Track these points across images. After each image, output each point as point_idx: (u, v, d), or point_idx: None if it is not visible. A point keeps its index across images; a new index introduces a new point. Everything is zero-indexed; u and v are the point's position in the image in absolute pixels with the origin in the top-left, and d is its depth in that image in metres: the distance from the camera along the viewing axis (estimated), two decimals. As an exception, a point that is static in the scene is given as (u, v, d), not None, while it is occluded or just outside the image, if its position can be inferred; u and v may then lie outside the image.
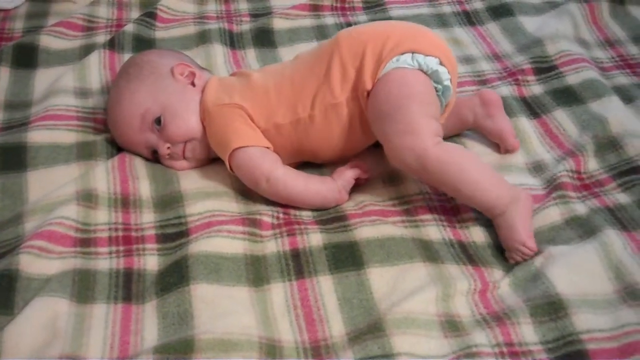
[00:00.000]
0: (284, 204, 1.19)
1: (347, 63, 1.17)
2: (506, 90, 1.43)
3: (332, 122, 1.19)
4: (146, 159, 1.27)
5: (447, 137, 1.27)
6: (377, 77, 1.15)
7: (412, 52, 1.15)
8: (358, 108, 1.17)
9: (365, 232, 1.14)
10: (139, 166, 1.26)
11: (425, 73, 1.15)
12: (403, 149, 1.12)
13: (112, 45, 1.54)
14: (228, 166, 1.19)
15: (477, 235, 1.15)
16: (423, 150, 1.10)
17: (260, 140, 1.19)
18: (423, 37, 1.19)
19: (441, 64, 1.16)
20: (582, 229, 1.13)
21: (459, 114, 1.28)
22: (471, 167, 1.11)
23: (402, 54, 1.15)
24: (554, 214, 1.16)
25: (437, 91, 1.17)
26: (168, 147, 1.24)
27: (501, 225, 1.11)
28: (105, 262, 1.10)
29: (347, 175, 1.19)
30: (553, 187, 1.21)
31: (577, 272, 1.05)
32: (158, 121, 1.23)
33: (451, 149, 1.13)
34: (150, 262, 1.10)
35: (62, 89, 1.41)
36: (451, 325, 1.01)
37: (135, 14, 1.69)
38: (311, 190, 1.17)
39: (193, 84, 1.27)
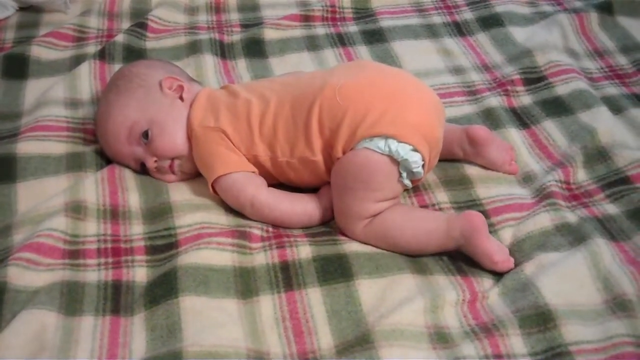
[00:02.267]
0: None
1: (324, 121, 1.15)
2: (495, 100, 1.43)
3: (309, 171, 1.19)
4: (135, 171, 1.27)
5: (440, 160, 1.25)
6: (348, 149, 1.13)
7: (386, 137, 1.11)
8: (332, 164, 1.17)
9: (354, 245, 1.14)
10: (129, 177, 1.26)
11: (394, 159, 1.12)
12: (340, 224, 1.17)
13: (103, 55, 1.54)
14: (211, 190, 1.20)
15: (466, 246, 1.15)
16: (352, 233, 1.16)
17: (244, 165, 1.19)
18: (407, 113, 1.13)
19: (415, 150, 1.12)
20: (572, 235, 1.13)
21: (448, 149, 1.26)
22: (401, 235, 1.13)
23: (377, 136, 1.11)
24: (544, 220, 1.16)
25: (402, 175, 1.14)
26: (155, 161, 1.24)
27: (468, 254, 1.12)
28: (93, 274, 1.10)
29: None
30: (543, 196, 1.21)
31: (566, 282, 1.06)
32: (145, 135, 1.23)
33: (379, 227, 1.14)
34: (139, 274, 1.10)
35: (52, 100, 1.41)
36: (440, 337, 1.01)
37: (126, 24, 1.69)
38: (297, 211, 1.18)
39: (181, 98, 1.27)
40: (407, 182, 1.15)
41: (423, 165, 1.14)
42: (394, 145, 1.11)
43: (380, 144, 1.11)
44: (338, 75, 1.18)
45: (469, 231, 1.10)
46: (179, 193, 1.23)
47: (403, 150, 1.11)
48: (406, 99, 1.15)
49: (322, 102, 1.15)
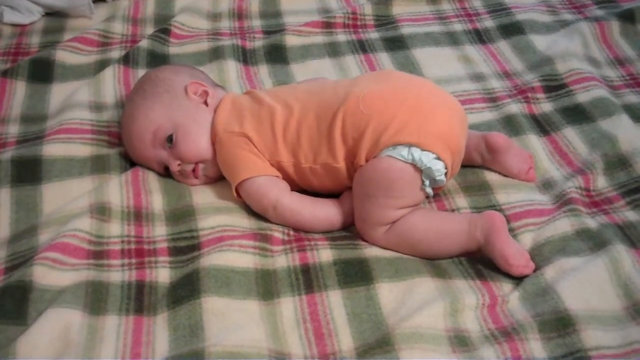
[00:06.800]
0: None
1: (348, 129, 1.16)
2: (516, 107, 1.44)
3: (332, 178, 1.20)
4: (159, 174, 1.29)
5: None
6: (370, 157, 1.14)
7: (410, 146, 1.12)
8: (354, 171, 1.17)
9: (374, 249, 1.15)
10: (152, 180, 1.27)
11: (417, 167, 1.13)
12: (360, 230, 1.17)
13: (127, 60, 1.56)
14: (235, 194, 1.21)
15: (485, 250, 1.16)
16: (372, 239, 1.16)
17: (267, 169, 1.20)
18: (430, 122, 1.13)
19: (438, 158, 1.12)
20: (592, 241, 1.13)
21: (467, 155, 1.24)
22: (424, 239, 1.14)
23: (400, 144, 1.12)
24: (564, 225, 1.17)
25: (424, 183, 1.14)
26: (179, 164, 1.25)
27: (487, 254, 1.12)
28: (117, 275, 1.11)
29: None
30: (563, 202, 1.21)
31: (587, 288, 1.06)
32: (170, 139, 1.25)
33: (399, 232, 1.14)
34: (162, 274, 1.12)
35: (77, 103, 1.43)
36: (459, 341, 1.02)
37: (149, 29, 1.71)
38: (318, 216, 1.18)
39: (206, 103, 1.28)
40: (429, 190, 1.16)
41: (446, 174, 1.15)
42: (417, 153, 1.12)
43: (404, 152, 1.12)
44: (362, 85, 1.19)
45: (487, 230, 1.11)
46: (202, 196, 1.25)
47: (426, 159, 1.12)
48: (430, 108, 1.16)
49: (345, 111, 1.16)
